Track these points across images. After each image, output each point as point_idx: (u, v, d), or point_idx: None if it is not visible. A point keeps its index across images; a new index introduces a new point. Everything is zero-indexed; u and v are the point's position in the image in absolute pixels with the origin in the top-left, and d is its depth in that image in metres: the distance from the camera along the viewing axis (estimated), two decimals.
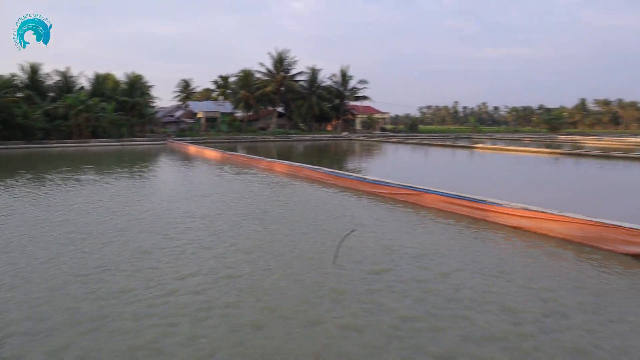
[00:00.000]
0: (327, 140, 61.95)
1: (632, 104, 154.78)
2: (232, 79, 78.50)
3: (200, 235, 10.87)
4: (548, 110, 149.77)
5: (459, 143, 57.38)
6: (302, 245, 10.16)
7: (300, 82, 74.94)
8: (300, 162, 24.99)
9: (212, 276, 8.10)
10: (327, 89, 76.68)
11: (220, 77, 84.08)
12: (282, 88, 71.64)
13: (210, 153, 37.49)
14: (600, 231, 10.38)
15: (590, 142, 64.69)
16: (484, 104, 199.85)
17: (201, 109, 76.58)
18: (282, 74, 71.71)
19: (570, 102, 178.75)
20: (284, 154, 37.92)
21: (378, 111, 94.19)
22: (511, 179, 23.85)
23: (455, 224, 12.35)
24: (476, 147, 49.58)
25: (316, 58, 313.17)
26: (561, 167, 31.34)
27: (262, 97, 70.63)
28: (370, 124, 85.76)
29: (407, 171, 28.04)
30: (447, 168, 30.97)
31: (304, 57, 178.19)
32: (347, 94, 78.01)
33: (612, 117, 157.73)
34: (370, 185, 17.71)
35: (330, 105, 77.05)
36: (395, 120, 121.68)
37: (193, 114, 76.74)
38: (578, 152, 41.98)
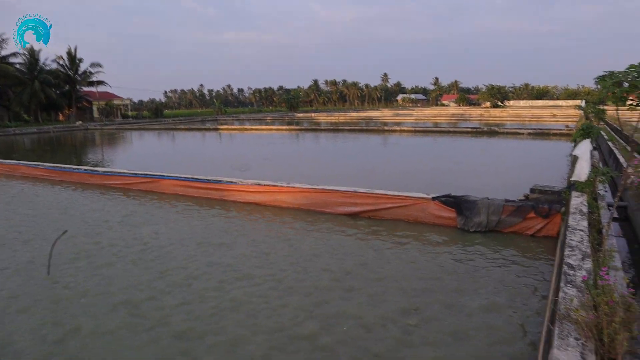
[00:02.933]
0: (59, 131, 54.40)
1: (354, 84, 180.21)
2: None
3: None
4: (287, 91, 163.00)
5: (205, 126, 57.48)
6: (7, 255, 8.44)
7: (16, 65, 63.56)
8: (25, 160, 21.02)
9: None
10: (54, 73, 66.91)
11: None
12: None
13: None
14: (323, 197, 11.42)
15: (323, 118, 72.75)
16: (228, 86, 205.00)
17: None
18: None
19: (305, 83, 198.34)
20: (1, 152, 31.63)
21: (118, 97, 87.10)
22: (256, 155, 24.79)
23: (188, 208, 12.01)
24: (222, 129, 50.42)
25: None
26: (302, 141, 34.23)
27: None
28: (110, 111, 78.77)
29: (151, 158, 26.52)
30: (194, 151, 30.50)
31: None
32: (79, 78, 69.55)
33: (339, 95, 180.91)
34: (102, 177, 16.01)
35: (59, 92, 67.74)
36: (139, 105, 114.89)
37: None
38: (314, 128, 46.58)
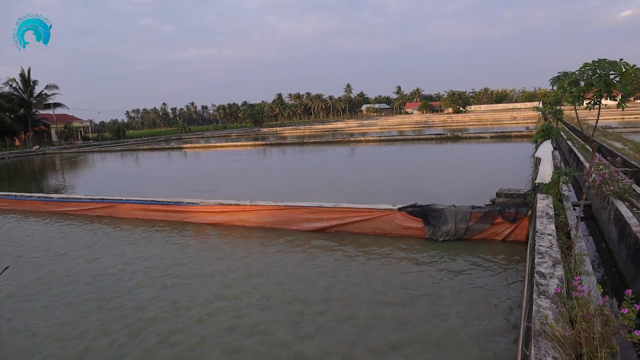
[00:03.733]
0: (14, 157, 52.36)
1: (318, 96, 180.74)
2: None
3: None
4: (252, 106, 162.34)
5: (170, 145, 56.43)
6: None
7: None
8: None
9: None
10: (7, 96, 64.66)
11: None
12: None
13: None
14: (288, 214, 11.06)
15: (289, 132, 72.52)
16: (192, 103, 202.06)
17: None
18: None
19: (269, 97, 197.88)
20: None
21: (77, 119, 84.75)
22: (222, 174, 24.27)
23: (151, 232, 11.47)
24: (186, 147, 49.55)
25: None
26: (268, 156, 33.83)
27: None
28: (69, 133, 76.46)
29: (113, 181, 25.62)
30: (158, 172, 29.68)
31: None
32: (34, 101, 67.47)
33: (304, 108, 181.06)
34: (57, 204, 15.24)
35: (13, 116, 65.42)
36: (101, 127, 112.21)
37: None
38: (279, 142, 46.26)
